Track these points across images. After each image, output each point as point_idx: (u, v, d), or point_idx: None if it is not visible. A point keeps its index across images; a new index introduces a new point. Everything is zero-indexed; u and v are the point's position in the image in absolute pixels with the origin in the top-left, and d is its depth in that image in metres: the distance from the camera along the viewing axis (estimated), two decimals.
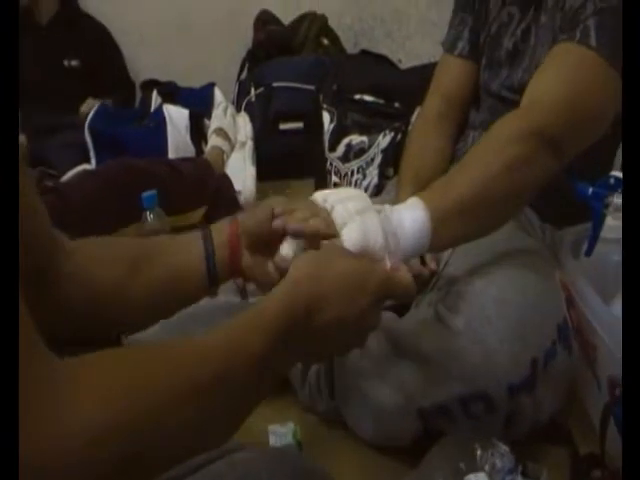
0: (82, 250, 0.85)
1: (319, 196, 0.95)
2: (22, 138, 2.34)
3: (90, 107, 2.80)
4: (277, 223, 0.90)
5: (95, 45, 3.19)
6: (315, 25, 3.19)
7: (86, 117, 2.58)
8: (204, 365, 0.61)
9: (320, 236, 0.89)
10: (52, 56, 3.07)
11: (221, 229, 0.92)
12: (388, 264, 0.83)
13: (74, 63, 3.12)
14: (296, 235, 0.90)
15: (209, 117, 2.63)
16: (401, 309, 1.26)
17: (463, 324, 1.08)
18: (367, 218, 0.89)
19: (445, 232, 0.97)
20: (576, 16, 1.17)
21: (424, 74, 1.77)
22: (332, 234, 0.88)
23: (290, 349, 0.70)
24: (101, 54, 3.20)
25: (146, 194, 1.67)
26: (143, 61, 3.51)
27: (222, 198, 2.11)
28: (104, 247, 0.91)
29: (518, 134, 1.06)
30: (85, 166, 2.32)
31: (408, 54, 3.02)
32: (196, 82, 3.13)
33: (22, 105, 2.02)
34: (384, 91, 2.22)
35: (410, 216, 0.94)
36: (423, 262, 1.27)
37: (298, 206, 0.93)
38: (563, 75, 1.15)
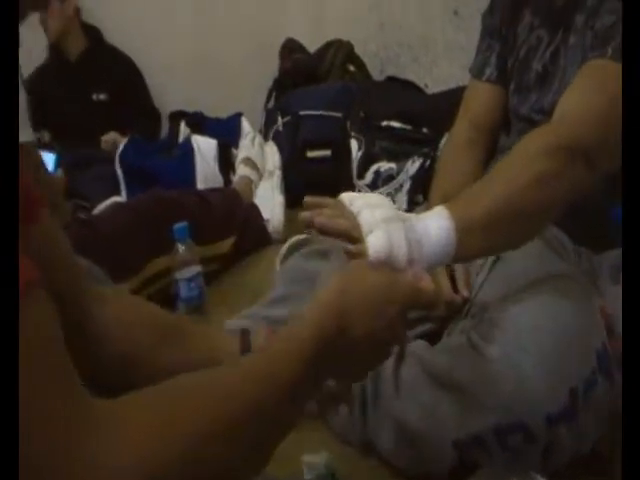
0: (115, 304, 0.85)
1: (346, 198, 0.95)
2: (60, 173, 2.39)
3: (110, 140, 2.85)
4: (305, 215, 0.91)
5: (122, 78, 3.25)
6: (341, 52, 3.20)
7: (115, 150, 2.62)
8: (236, 398, 0.61)
9: (346, 237, 0.89)
10: (82, 91, 3.13)
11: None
12: (410, 273, 0.84)
13: (102, 97, 3.17)
14: (322, 232, 0.91)
15: (237, 147, 2.65)
16: (434, 337, 1.24)
17: (498, 353, 1.06)
18: (392, 227, 0.88)
19: (470, 242, 0.95)
20: (608, 33, 1.16)
21: (452, 99, 1.77)
22: (357, 237, 0.89)
23: (323, 372, 0.70)
24: (128, 87, 3.25)
25: (177, 226, 1.68)
26: (170, 92, 3.55)
27: (251, 228, 2.12)
28: (137, 307, 0.92)
29: (546, 148, 1.04)
30: (116, 198, 2.34)
31: (435, 79, 3.02)
32: (223, 112, 3.15)
33: (57, 140, 2.06)
34: (411, 117, 2.22)
35: (435, 224, 0.93)
36: (455, 289, 1.25)
37: (328, 203, 0.95)
38: (594, 89, 1.14)
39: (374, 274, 0.79)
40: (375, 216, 0.89)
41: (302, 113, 2.65)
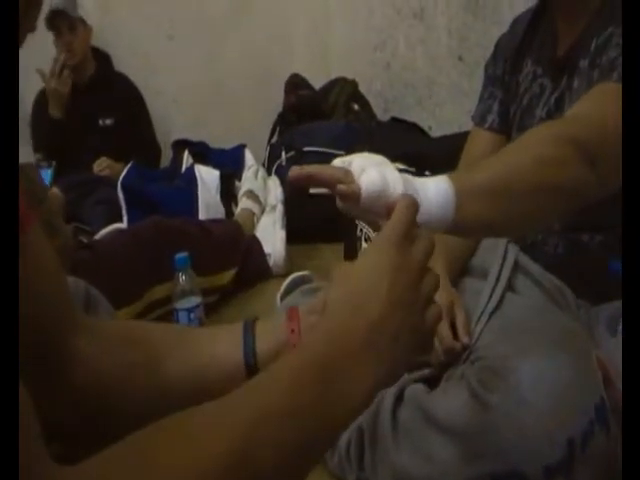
0: (99, 330, 0.79)
1: (338, 161, 0.90)
2: (57, 192, 2.39)
3: (102, 165, 2.87)
4: (293, 169, 0.85)
5: (127, 106, 3.27)
6: (346, 90, 3.24)
7: (112, 175, 2.64)
8: (222, 442, 0.54)
9: (336, 182, 0.84)
10: (89, 115, 3.15)
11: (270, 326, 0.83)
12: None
13: (108, 122, 3.19)
14: (311, 181, 0.85)
15: (240, 179, 2.67)
16: (433, 382, 1.25)
17: (498, 401, 1.06)
18: (387, 169, 0.85)
19: (469, 208, 0.90)
20: (613, 64, 1.17)
21: (455, 143, 1.79)
22: (350, 180, 0.84)
23: (346, 375, 0.60)
24: (132, 115, 3.27)
25: (179, 255, 1.69)
26: (175, 121, 3.58)
27: (252, 260, 2.13)
28: (123, 329, 0.84)
29: (551, 138, 1.02)
30: (118, 225, 2.35)
31: (439, 121, 3.05)
32: (227, 143, 3.18)
33: (60, 162, 2.06)
34: (415, 159, 2.24)
35: (433, 184, 0.89)
36: (455, 335, 1.26)
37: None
38: (602, 102, 1.12)
39: (376, 250, 0.67)
40: (368, 159, 0.87)
41: (306, 149, 2.68)
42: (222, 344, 0.81)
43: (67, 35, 3.04)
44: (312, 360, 0.61)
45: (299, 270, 1.81)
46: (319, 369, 0.60)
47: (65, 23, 3.02)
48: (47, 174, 2.44)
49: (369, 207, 0.84)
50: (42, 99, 3.15)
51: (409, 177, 0.88)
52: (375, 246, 0.68)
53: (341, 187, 0.83)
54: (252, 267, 2.11)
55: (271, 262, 2.20)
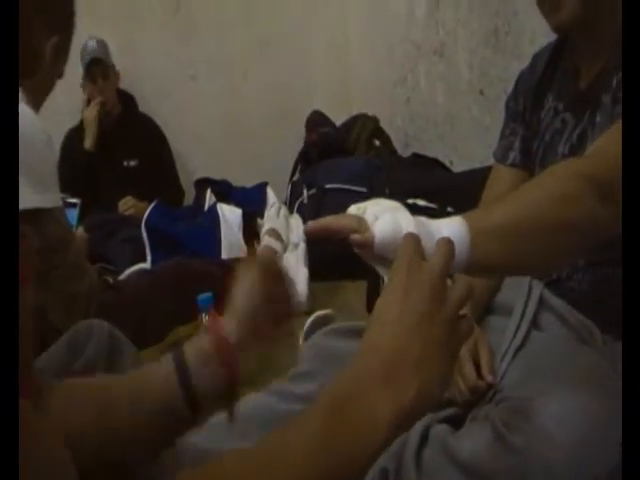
0: (57, 394, 0.77)
1: (353, 208, 0.91)
2: (83, 233, 2.41)
3: (127, 204, 2.90)
4: (309, 224, 0.88)
5: (151, 146, 3.31)
6: (367, 127, 3.25)
7: (136, 214, 2.66)
8: None
9: (350, 231, 0.85)
10: (114, 155, 3.19)
11: (196, 340, 0.84)
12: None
13: (133, 163, 3.24)
14: (326, 233, 0.87)
15: (262, 217, 2.68)
16: (457, 422, 1.24)
17: (523, 443, 1.05)
18: (400, 214, 0.86)
19: (485, 250, 0.90)
20: None
21: (477, 178, 1.78)
22: (364, 228, 0.85)
23: (361, 412, 0.61)
24: (156, 155, 3.32)
25: (202, 296, 1.69)
26: (197, 159, 3.61)
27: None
28: (77, 391, 0.82)
29: (566, 175, 1.01)
30: (142, 265, 2.36)
31: (460, 156, 3.05)
32: (249, 181, 3.20)
33: (85, 201, 2.07)
34: (437, 195, 2.23)
35: (447, 226, 0.89)
36: (479, 374, 1.25)
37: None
38: (617, 138, 1.12)
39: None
40: (382, 205, 0.88)
41: (327, 186, 2.69)
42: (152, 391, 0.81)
43: (100, 82, 3.11)
44: (328, 399, 0.62)
45: (322, 308, 1.81)
46: (335, 407, 0.61)
47: (99, 70, 3.09)
48: (73, 214, 2.47)
49: (383, 253, 0.84)
50: (73, 134, 3.20)
51: (423, 220, 0.88)
52: (386, 286, 0.68)
53: (355, 236, 0.84)
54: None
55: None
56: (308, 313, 1.85)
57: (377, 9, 3.48)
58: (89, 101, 3.15)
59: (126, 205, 3.02)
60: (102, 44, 3.14)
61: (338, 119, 3.42)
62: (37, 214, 1.41)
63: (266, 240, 2.48)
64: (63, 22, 1.19)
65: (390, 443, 0.62)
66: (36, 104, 1.36)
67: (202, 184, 3.31)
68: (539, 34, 2.24)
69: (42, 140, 1.42)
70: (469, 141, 3.05)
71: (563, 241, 1.01)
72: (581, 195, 0.99)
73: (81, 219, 2.56)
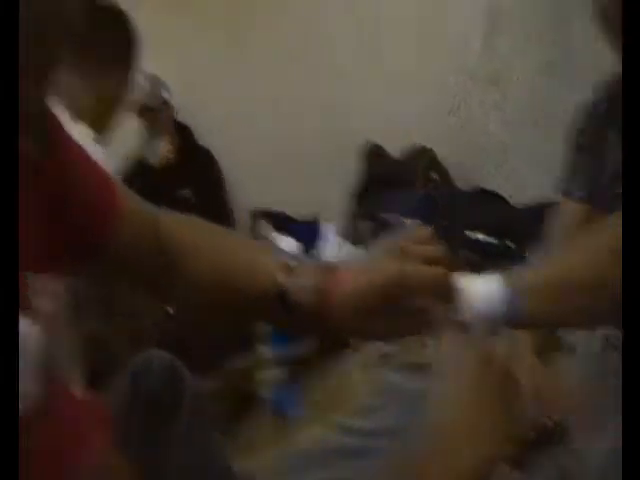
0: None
1: None
2: None
3: None
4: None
5: (206, 177, 3.36)
6: (424, 159, 3.24)
7: None
8: None
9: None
10: (168, 188, 3.22)
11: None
12: None
13: (186, 193, 3.27)
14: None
15: (318, 249, 2.68)
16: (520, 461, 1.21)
17: None
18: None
19: (533, 302, 0.91)
20: None
21: (538, 213, 1.77)
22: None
23: None
24: (210, 185, 3.35)
25: (260, 325, 1.70)
26: (254, 191, 3.62)
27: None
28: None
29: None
30: None
31: (515, 188, 3.02)
32: (304, 212, 3.20)
33: None
34: (496, 229, 2.21)
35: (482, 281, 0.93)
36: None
37: None
38: None
39: None
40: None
41: (386, 219, 2.68)
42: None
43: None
44: None
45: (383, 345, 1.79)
46: None
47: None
48: None
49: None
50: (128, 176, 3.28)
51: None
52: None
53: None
54: (334, 336, 2.10)
55: None
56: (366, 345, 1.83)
57: (432, 38, 3.47)
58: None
59: None
60: (155, 81, 3.21)
61: (391, 148, 3.40)
62: None
63: None
64: None
65: None
66: None
67: (259, 216, 3.33)
68: (595, 65, 2.22)
69: None
70: (523, 172, 3.02)
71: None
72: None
73: None
